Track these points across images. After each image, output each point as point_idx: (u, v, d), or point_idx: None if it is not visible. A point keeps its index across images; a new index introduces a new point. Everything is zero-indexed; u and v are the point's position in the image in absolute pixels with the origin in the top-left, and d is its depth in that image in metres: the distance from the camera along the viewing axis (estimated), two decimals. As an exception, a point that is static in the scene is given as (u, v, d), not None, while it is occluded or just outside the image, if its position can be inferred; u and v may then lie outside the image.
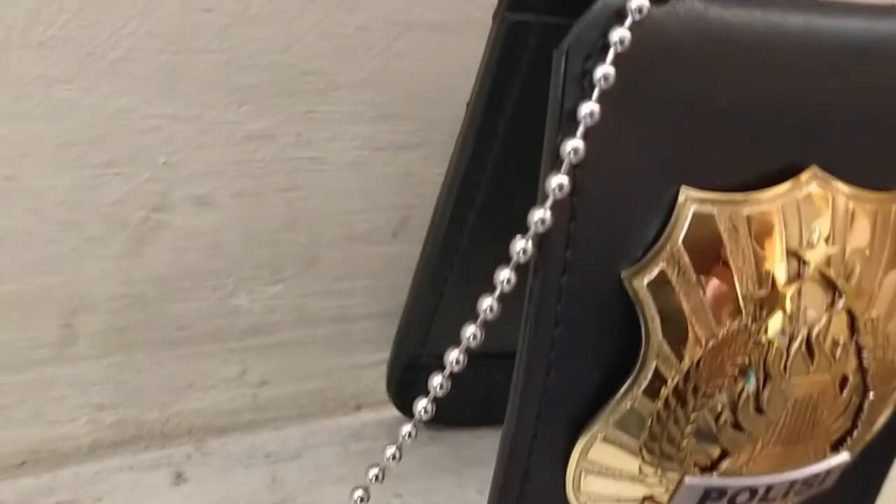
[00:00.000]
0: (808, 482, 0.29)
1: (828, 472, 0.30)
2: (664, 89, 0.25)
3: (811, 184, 0.26)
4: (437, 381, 0.26)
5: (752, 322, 0.26)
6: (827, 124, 0.26)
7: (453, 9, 0.33)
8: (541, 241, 0.25)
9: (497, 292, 0.25)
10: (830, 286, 0.27)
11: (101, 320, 0.34)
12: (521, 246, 0.25)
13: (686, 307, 0.26)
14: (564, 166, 0.23)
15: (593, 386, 0.27)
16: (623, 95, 0.24)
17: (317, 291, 0.37)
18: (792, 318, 0.26)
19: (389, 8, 0.32)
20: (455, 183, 0.31)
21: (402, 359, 0.37)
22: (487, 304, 0.25)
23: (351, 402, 0.40)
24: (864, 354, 0.28)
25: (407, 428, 0.27)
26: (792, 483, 0.29)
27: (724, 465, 0.28)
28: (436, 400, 0.26)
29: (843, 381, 0.28)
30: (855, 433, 0.29)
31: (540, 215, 0.24)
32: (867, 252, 0.27)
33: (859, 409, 0.29)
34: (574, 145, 0.23)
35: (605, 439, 0.27)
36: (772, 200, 0.26)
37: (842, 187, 0.26)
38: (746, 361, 0.26)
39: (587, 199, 0.25)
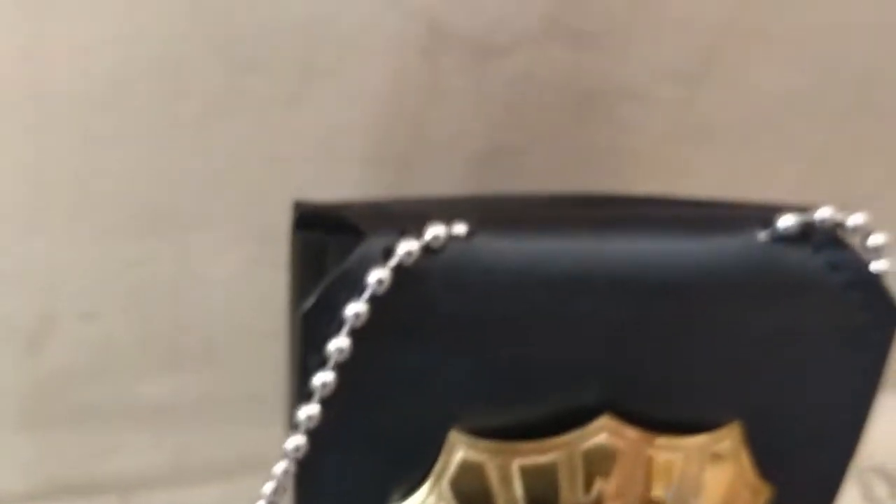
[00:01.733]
0: None
1: None
2: (434, 327, 0.24)
3: (601, 433, 0.25)
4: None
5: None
6: (625, 368, 0.25)
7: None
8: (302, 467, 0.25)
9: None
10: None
11: (13, 405, 0.37)
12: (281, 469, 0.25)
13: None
14: (301, 429, 0.23)
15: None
16: (390, 332, 0.23)
17: (221, 377, 0.38)
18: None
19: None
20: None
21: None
22: None
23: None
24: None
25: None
26: None
27: None
28: None
29: None
30: None
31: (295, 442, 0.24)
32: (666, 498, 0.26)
33: None
34: (310, 412, 0.23)
35: None
36: (552, 450, 0.25)
37: (637, 435, 0.25)
38: None
39: (353, 434, 0.24)
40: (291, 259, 0.27)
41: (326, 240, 0.25)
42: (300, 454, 0.24)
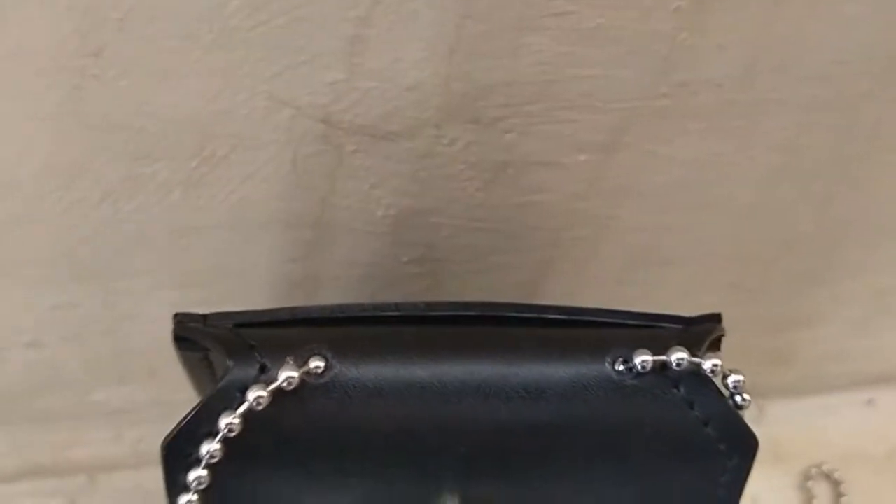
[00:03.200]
0: None
1: None
2: (291, 458, 0.25)
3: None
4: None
5: None
6: (485, 489, 0.26)
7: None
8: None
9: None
10: None
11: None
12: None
13: None
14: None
15: None
16: (248, 465, 0.25)
17: (165, 387, 0.41)
18: None
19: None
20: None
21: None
22: None
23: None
24: None
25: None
26: None
27: None
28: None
29: None
30: None
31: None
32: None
33: None
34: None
35: None
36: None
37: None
38: None
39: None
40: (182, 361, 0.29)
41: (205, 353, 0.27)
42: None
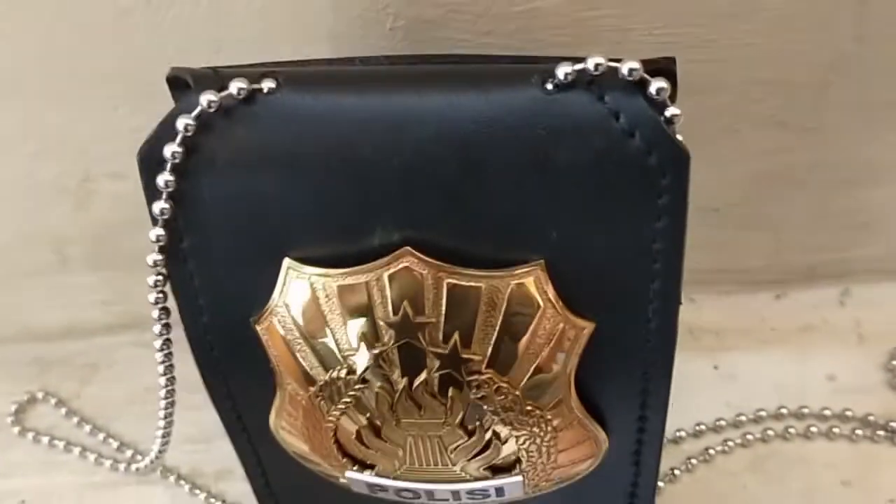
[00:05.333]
0: (476, 494, 0.33)
1: (502, 489, 0.33)
2: (254, 172, 0.28)
3: (401, 262, 0.28)
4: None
5: (349, 374, 0.30)
6: (423, 210, 0.28)
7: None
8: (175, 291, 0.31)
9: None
10: (421, 353, 0.29)
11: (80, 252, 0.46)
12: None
13: (295, 357, 0.30)
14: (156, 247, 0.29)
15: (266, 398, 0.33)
16: (210, 170, 0.28)
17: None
18: (386, 375, 0.30)
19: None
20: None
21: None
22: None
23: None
24: (490, 407, 0.30)
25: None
26: (455, 493, 0.33)
27: (379, 468, 0.33)
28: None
29: (469, 423, 0.30)
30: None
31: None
32: (471, 323, 0.29)
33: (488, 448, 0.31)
34: (157, 233, 0.29)
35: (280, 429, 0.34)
36: (362, 276, 0.29)
37: (438, 265, 0.28)
38: (352, 402, 0.30)
39: (202, 267, 0.30)
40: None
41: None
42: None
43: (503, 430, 0.31)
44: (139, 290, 0.48)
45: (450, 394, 0.30)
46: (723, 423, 0.43)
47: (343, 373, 0.30)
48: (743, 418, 0.43)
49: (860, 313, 0.46)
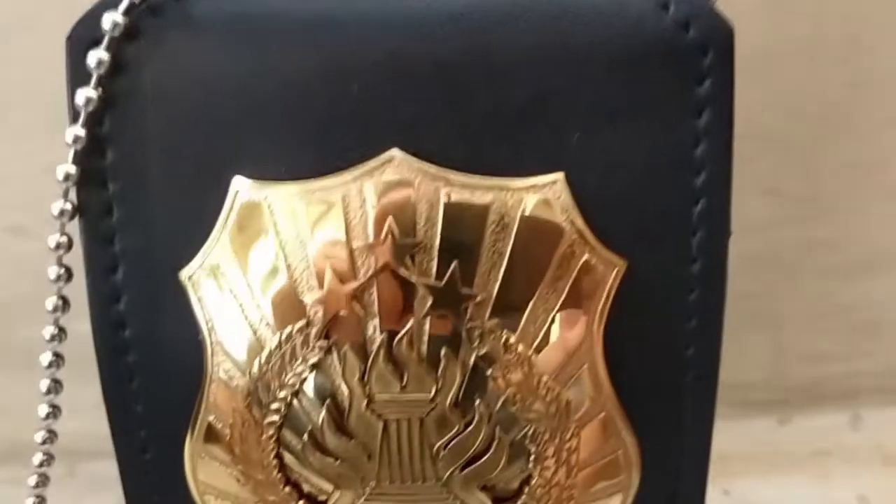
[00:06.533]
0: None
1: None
2: (199, 76, 0.23)
3: (386, 169, 0.22)
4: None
5: (313, 326, 0.23)
6: (416, 96, 0.23)
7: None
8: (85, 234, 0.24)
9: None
10: (411, 288, 0.22)
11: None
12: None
13: (240, 306, 0.23)
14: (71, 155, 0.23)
15: (178, 394, 0.24)
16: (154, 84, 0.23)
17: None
18: (359, 327, 0.22)
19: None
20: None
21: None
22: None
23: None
24: (494, 373, 0.23)
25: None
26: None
27: (335, 501, 0.24)
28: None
29: (465, 404, 0.23)
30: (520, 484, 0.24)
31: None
32: (474, 249, 0.22)
33: (495, 443, 0.23)
34: (76, 133, 0.23)
35: (203, 456, 0.25)
36: (335, 189, 0.23)
37: (434, 172, 0.22)
38: (306, 375, 0.23)
39: (126, 195, 0.24)
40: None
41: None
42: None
43: (509, 419, 0.23)
44: (21, 410, 0.39)
45: (443, 353, 0.22)
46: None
47: (301, 325, 0.23)
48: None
49: (879, 437, 0.40)
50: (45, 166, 0.36)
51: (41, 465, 0.29)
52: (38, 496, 0.29)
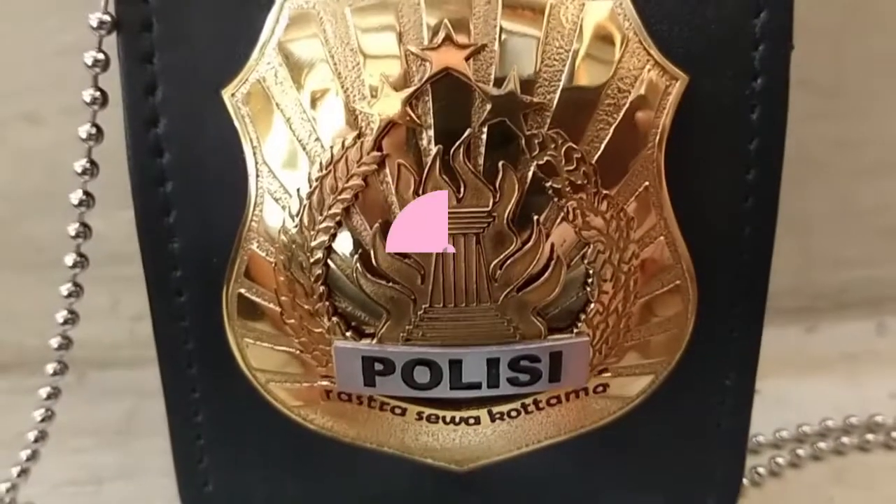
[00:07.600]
0: (522, 366, 0.23)
1: (559, 357, 0.23)
2: None
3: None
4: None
5: (365, 137, 0.22)
6: None
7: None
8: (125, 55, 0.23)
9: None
10: (468, 95, 0.21)
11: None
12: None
13: (287, 121, 0.22)
14: None
15: (218, 225, 0.23)
16: None
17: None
18: (414, 138, 0.21)
19: None
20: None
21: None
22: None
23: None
24: (556, 184, 0.22)
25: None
26: (492, 361, 0.23)
27: (383, 329, 0.23)
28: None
29: (522, 220, 0.22)
30: (581, 305, 0.23)
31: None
32: (535, 53, 0.21)
33: (553, 263, 0.22)
34: None
35: (243, 292, 0.23)
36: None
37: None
38: (359, 188, 0.22)
39: (166, 8, 0.22)
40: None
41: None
42: None
43: (567, 238, 0.22)
44: (27, 315, 0.37)
45: (501, 164, 0.21)
46: (784, 435, 0.34)
47: (352, 139, 0.22)
48: (807, 430, 0.34)
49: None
50: (60, 49, 0.35)
51: (55, 373, 0.27)
52: (48, 409, 0.28)
